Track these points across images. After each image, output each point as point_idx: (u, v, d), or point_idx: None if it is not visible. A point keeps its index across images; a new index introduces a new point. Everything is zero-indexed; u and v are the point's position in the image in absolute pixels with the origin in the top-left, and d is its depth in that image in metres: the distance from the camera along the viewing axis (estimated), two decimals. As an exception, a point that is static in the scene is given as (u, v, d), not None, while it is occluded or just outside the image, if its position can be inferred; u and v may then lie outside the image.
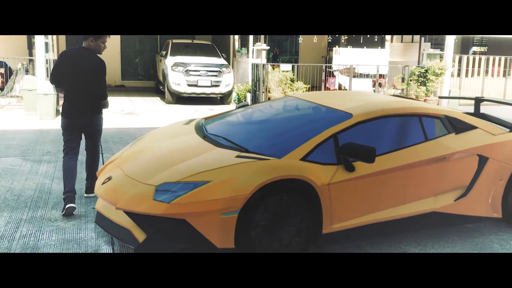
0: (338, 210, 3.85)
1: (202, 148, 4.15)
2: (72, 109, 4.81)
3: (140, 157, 4.30)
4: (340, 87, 13.96)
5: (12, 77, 13.88)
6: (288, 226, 3.73)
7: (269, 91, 12.69)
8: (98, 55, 5.05)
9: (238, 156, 3.82)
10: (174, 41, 14.82)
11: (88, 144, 5.10)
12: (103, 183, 4.07)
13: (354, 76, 12.93)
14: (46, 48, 11.47)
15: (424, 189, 4.27)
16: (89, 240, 4.14)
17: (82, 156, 6.47)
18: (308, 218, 3.76)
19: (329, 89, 14.08)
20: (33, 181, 5.68)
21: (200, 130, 4.65)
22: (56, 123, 9.79)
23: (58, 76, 4.85)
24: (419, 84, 12.70)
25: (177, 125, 5.18)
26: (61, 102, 12.67)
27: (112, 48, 17.46)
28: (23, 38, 15.18)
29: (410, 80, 12.82)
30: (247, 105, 5.54)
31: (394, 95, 5.98)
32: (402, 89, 13.04)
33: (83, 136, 5.01)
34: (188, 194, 3.50)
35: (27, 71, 13.01)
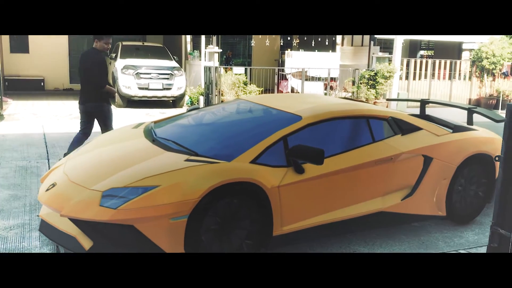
0: (288, 212, 3.87)
1: (151, 152, 4.08)
2: (81, 96, 6.33)
3: (86, 162, 4.17)
4: (292, 90, 14.10)
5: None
6: (238, 229, 3.71)
7: (222, 94, 12.66)
8: (103, 53, 6.26)
9: (187, 160, 3.78)
10: (124, 43, 14.55)
11: (102, 129, 6.29)
12: (47, 190, 3.92)
13: (306, 79, 13.10)
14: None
15: (372, 190, 4.36)
16: (33, 249, 3.97)
17: (26, 162, 6.19)
18: (259, 220, 3.76)
19: (282, 92, 14.20)
20: (-28, 189, 5.41)
21: (149, 134, 4.57)
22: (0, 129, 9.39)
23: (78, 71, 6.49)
24: (369, 87, 13.01)
25: (126, 129, 5.07)
26: (5, 106, 12.17)
27: (59, 50, 16.94)
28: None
29: (360, 83, 13.12)
30: (198, 108, 5.49)
31: (344, 98, 6.09)
32: (353, 92, 13.33)
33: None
34: (136, 199, 3.42)
35: (-33, 74, 12.39)
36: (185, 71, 15.08)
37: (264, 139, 3.96)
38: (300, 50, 14.76)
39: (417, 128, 4.77)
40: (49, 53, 16.69)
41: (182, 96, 13.63)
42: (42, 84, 16.63)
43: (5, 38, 16.22)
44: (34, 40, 16.62)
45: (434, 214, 4.75)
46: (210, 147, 4.11)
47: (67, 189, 3.77)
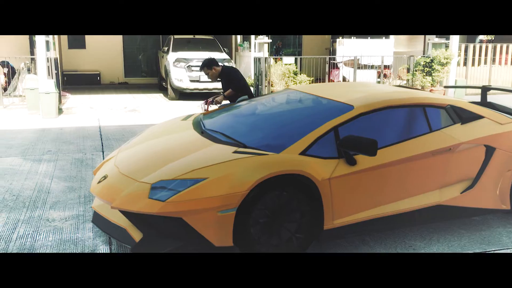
0: (340, 205, 3.74)
1: (200, 144, 4.05)
2: None
3: (136, 155, 4.20)
4: (344, 79, 13.80)
5: (15, 76, 13.86)
6: (288, 222, 3.62)
7: (271, 84, 12.57)
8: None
9: (235, 152, 3.72)
10: (176, 36, 14.72)
11: None
12: (99, 182, 3.98)
13: (358, 68, 12.76)
14: (47, 46, 11.41)
15: (429, 182, 4.14)
16: (86, 240, 4.06)
17: (82, 154, 6.40)
18: (309, 213, 3.65)
19: (333, 81, 13.93)
20: (32, 180, 5.61)
21: (198, 125, 4.55)
22: (58, 122, 9.75)
23: None
24: (424, 74, 12.51)
25: (175, 121, 5.08)
26: (63, 100, 12.65)
27: (114, 45, 17.40)
28: (24, 37, 15.13)
29: (416, 71, 12.63)
30: (247, 99, 5.42)
31: (399, 86, 5.84)
32: (408, 80, 12.86)
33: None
34: (185, 191, 3.40)
35: (29, 70, 12.97)
36: (235, 62, 15.09)
37: (314, 130, 3.83)
38: (352, 37, 14.37)
39: (478, 117, 4.48)
40: (105, 48, 17.17)
41: (232, 88, 13.64)
42: (98, 78, 17.16)
43: (63, 36, 16.82)
44: (91, 36, 17.15)
45: (497, 208, 4.46)
46: (258, 139, 4.03)
47: (118, 181, 3.81)
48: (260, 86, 12.81)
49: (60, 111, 10.98)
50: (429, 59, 12.52)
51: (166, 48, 14.46)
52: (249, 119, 4.73)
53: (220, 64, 6.73)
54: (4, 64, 13.96)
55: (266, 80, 12.59)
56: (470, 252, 4.01)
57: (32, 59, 12.88)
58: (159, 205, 3.39)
